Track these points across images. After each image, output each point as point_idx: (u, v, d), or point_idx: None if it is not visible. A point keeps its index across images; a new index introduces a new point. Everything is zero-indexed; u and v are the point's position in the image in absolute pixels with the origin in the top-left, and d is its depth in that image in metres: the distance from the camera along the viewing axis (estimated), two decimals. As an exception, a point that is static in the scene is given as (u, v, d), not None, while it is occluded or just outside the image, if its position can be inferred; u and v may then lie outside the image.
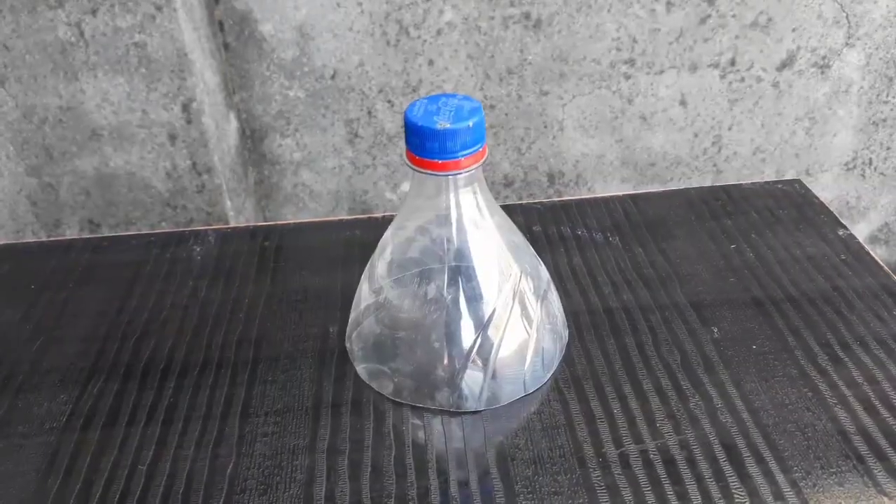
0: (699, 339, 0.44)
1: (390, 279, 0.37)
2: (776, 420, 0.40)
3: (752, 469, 0.37)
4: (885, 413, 0.41)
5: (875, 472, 0.37)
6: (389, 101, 1.07)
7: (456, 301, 0.35)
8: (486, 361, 0.34)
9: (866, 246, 0.61)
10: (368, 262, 0.40)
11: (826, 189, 1.23)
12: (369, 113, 1.08)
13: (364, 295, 0.39)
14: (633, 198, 0.59)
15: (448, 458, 0.37)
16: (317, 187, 1.14)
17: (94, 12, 0.84)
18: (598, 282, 0.47)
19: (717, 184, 1.12)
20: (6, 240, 1.01)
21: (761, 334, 0.45)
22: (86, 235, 0.95)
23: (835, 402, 0.41)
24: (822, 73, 1.11)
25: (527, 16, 1.02)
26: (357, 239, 0.49)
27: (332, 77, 1.04)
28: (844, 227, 0.57)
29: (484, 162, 0.36)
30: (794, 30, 1.06)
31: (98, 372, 0.47)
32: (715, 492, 0.36)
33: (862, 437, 0.39)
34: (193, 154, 0.94)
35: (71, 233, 1.00)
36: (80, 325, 0.52)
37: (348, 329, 0.41)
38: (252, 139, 1.08)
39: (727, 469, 0.37)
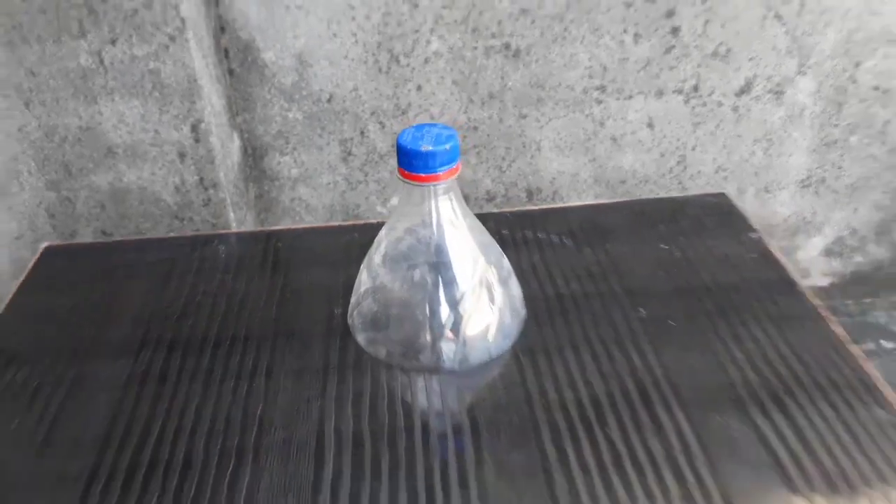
0: (629, 318, 0.53)
1: (384, 268, 0.46)
2: (684, 378, 0.49)
3: (662, 414, 0.46)
4: (767, 373, 0.50)
5: (753, 415, 0.46)
6: (381, 123, 1.16)
7: (436, 285, 0.44)
8: (458, 332, 0.43)
9: (804, 257, 0.71)
10: (366, 256, 0.49)
11: (784, 205, 1.33)
12: (362, 133, 1.17)
13: (363, 280, 0.48)
14: (588, 208, 0.68)
15: (428, 405, 0.46)
16: (313, 201, 1.23)
17: (113, 42, 0.93)
18: (552, 274, 0.56)
19: (674, 191, 1.22)
20: (25, 250, 1.09)
21: (679, 315, 0.54)
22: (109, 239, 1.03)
23: (731, 365, 0.50)
24: (778, 98, 1.21)
25: (507, 46, 1.12)
26: (355, 241, 0.58)
27: (329, 100, 1.13)
28: (755, 230, 0.66)
29: (457, 177, 0.45)
30: (750, 59, 1.17)
31: (147, 344, 0.56)
32: (631, 428, 0.45)
33: (745, 389, 0.48)
34: (201, 170, 1.03)
35: (83, 241, 1.08)
36: (129, 308, 0.60)
37: (350, 308, 0.50)
38: (253, 157, 1.17)
39: (642, 413, 0.46)
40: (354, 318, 0.49)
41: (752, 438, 0.45)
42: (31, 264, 0.72)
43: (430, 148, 0.44)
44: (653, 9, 1.10)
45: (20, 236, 1.08)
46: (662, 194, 1.27)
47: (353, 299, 0.49)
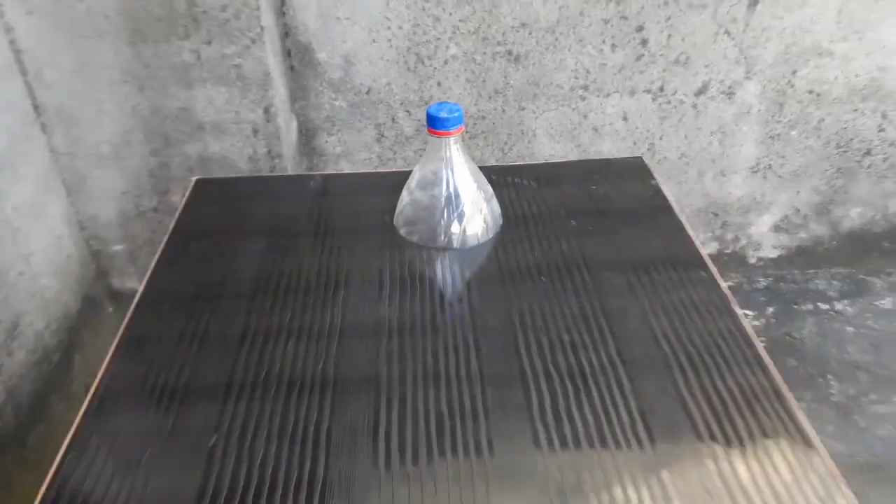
0: (566, 226, 0.80)
1: (417, 189, 0.74)
2: (595, 260, 0.75)
3: (578, 280, 0.73)
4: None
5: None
6: (408, 111, 1.45)
7: (448, 199, 0.72)
8: (460, 226, 0.71)
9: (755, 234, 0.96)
10: (405, 184, 0.77)
11: (738, 187, 1.61)
12: (393, 119, 1.46)
13: (403, 197, 0.76)
14: (550, 165, 0.95)
15: (442, 269, 0.75)
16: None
17: (209, 43, 1.23)
18: (520, 201, 0.84)
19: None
20: (128, 203, 1.39)
21: (596, 224, 0.81)
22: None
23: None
24: (729, 98, 1.49)
25: (509, 52, 1.40)
26: (392, 180, 0.85)
27: (367, 92, 1.42)
28: (655, 178, 0.91)
29: (462, 133, 0.72)
30: (706, 66, 1.44)
31: (277, 233, 0.83)
32: (560, 287, 0.72)
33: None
34: (269, 144, 1.32)
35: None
36: (258, 219, 0.85)
37: (395, 214, 0.78)
38: (306, 136, 1.46)
39: (566, 274, 0.73)
40: (397, 219, 0.78)
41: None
42: (188, 192, 0.96)
43: (446, 115, 0.73)
44: (626, 24, 1.38)
45: (125, 192, 1.39)
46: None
47: (397, 209, 0.78)
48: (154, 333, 0.71)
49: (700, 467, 0.55)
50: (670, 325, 0.69)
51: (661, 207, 0.85)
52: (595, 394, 0.61)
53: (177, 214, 0.90)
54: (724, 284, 0.78)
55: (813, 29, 1.41)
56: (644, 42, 1.41)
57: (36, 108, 1.27)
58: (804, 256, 1.72)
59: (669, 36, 1.40)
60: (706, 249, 1.66)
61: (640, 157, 0.94)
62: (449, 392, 0.61)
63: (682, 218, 0.84)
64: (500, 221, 0.77)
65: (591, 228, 0.80)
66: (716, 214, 1.64)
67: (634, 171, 0.91)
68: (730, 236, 1.68)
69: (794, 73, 1.46)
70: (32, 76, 1.24)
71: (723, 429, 0.58)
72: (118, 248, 1.46)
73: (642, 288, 0.73)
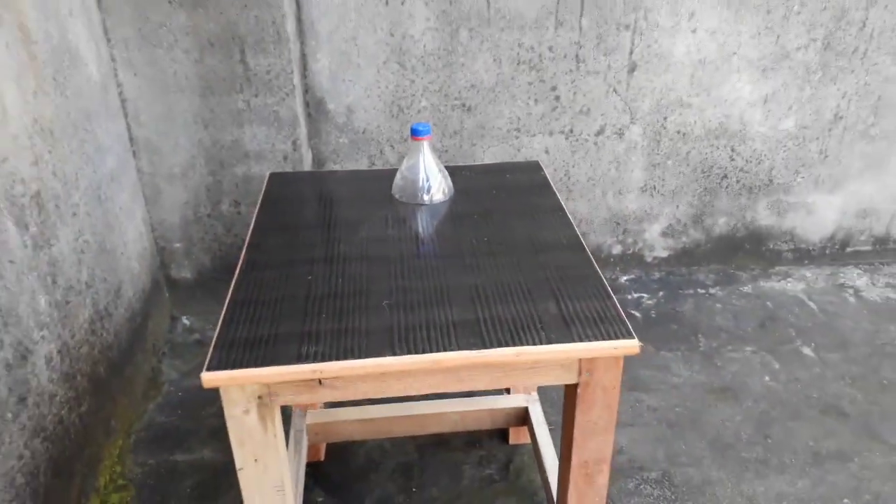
0: (489, 195, 1.34)
1: (405, 172, 1.28)
2: (503, 230, 1.29)
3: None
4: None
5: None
6: (392, 146, 2.01)
7: (423, 177, 1.26)
8: (430, 191, 1.24)
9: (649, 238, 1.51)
10: (398, 172, 1.31)
11: (632, 203, 2.19)
12: (381, 152, 2.02)
13: (397, 176, 1.30)
14: (485, 166, 1.50)
15: (420, 215, 1.27)
16: (349, 193, 2.06)
17: (256, 96, 1.79)
18: (464, 182, 1.39)
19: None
20: (185, 213, 1.91)
21: (499, 199, 1.34)
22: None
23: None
24: (621, 137, 2.08)
25: (463, 105, 1.99)
26: (387, 173, 1.37)
27: (363, 132, 1.99)
28: (543, 170, 1.45)
29: (431, 140, 1.27)
30: (602, 114, 2.04)
31: (320, 201, 1.35)
32: (481, 227, 1.26)
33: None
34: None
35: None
36: (306, 203, 1.37)
37: (392, 186, 1.31)
38: (318, 163, 2.01)
39: (486, 220, 1.26)
40: (394, 189, 1.31)
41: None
42: (264, 186, 1.46)
43: (422, 129, 1.28)
44: (544, 86, 1.98)
45: (187, 202, 1.91)
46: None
47: (393, 183, 1.31)
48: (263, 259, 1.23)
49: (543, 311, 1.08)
50: (540, 238, 1.24)
51: (545, 185, 1.40)
52: (502, 270, 1.14)
53: (260, 198, 1.43)
54: (573, 222, 1.33)
55: (675, 88, 2.03)
56: (557, 98, 2.01)
57: (132, 140, 1.81)
58: (687, 256, 2.30)
59: (574, 93, 2.00)
60: (613, 251, 2.24)
61: (537, 162, 1.50)
62: (426, 274, 1.13)
63: (559, 195, 1.40)
64: (452, 191, 1.31)
65: (504, 195, 1.34)
66: (618, 223, 2.21)
67: (532, 169, 1.46)
68: (630, 240, 2.25)
69: (665, 118, 2.07)
70: (132, 118, 1.78)
71: (570, 313, 1.12)
72: (177, 245, 1.97)
73: (532, 225, 1.28)
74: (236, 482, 1.13)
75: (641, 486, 1.55)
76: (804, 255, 2.33)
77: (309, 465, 1.58)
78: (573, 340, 0.93)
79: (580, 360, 0.95)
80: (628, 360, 1.88)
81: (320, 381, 0.93)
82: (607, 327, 0.96)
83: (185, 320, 2.05)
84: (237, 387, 0.90)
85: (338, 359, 0.91)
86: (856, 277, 2.29)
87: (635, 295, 2.19)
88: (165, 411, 1.76)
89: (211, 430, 1.71)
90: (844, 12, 1.96)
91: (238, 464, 0.98)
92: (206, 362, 0.89)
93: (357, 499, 1.53)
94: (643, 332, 2.02)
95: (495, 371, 0.95)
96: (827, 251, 2.33)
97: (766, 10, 1.94)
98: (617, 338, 0.95)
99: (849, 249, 2.34)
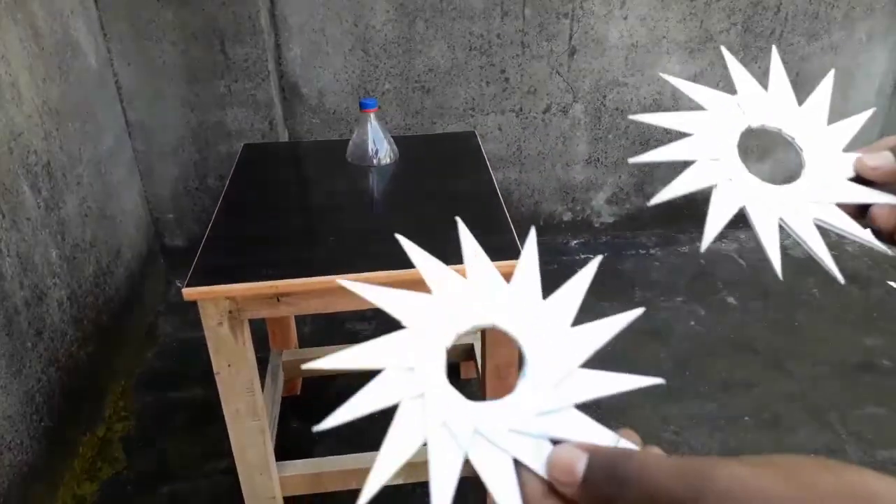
0: (430, 159, 1.58)
1: (356, 139, 1.52)
2: (447, 186, 1.53)
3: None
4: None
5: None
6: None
7: (374, 143, 1.50)
8: (378, 154, 1.48)
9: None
10: (350, 140, 1.55)
11: (579, 174, 2.43)
12: (350, 130, 2.26)
13: (350, 145, 1.54)
14: (427, 136, 1.75)
15: (370, 175, 1.51)
16: (323, 169, 2.31)
17: (235, 81, 2.03)
18: (407, 147, 1.63)
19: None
20: (176, 186, 2.16)
21: (438, 160, 1.59)
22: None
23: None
24: (565, 114, 2.33)
25: (423, 87, 2.23)
26: (345, 140, 1.63)
27: (333, 113, 2.23)
28: (478, 138, 1.70)
29: (376, 113, 1.51)
30: (547, 94, 2.28)
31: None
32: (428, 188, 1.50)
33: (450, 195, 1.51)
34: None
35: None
36: (281, 172, 1.63)
37: (347, 152, 1.56)
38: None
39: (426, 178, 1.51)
40: (348, 153, 1.56)
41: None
42: (238, 154, 1.71)
43: (369, 102, 1.52)
44: (494, 69, 2.22)
45: (178, 177, 2.16)
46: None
47: (348, 149, 1.56)
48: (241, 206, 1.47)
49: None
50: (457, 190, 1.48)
51: (477, 150, 1.64)
52: (429, 214, 1.38)
53: (235, 162, 1.68)
54: (494, 176, 1.57)
55: (611, 69, 2.27)
56: (507, 80, 2.25)
57: (127, 122, 2.05)
58: (632, 221, 2.54)
59: (522, 76, 2.24)
60: (564, 218, 2.48)
61: (473, 132, 1.75)
62: (368, 218, 1.38)
63: (486, 157, 1.64)
64: (397, 155, 1.56)
65: (441, 159, 1.59)
66: (567, 193, 2.46)
67: (468, 138, 1.71)
68: (579, 208, 2.49)
69: (604, 97, 2.31)
70: (126, 103, 2.03)
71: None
72: (170, 216, 2.22)
73: (459, 181, 1.52)
74: (220, 414, 1.37)
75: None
76: (739, 219, 2.56)
77: (287, 399, 1.83)
78: (476, 261, 1.18)
79: (483, 277, 1.20)
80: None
81: (278, 298, 1.17)
82: (506, 253, 1.21)
83: (178, 283, 2.29)
84: (211, 302, 1.15)
85: (291, 278, 1.15)
86: (784, 237, 2.53)
87: (582, 256, 2.44)
88: (162, 359, 2.01)
89: (202, 373, 1.95)
90: (760, -2, 2.20)
91: (215, 368, 1.22)
92: (186, 281, 1.14)
93: (327, 425, 1.78)
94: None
95: (417, 288, 1.20)
96: (759, 215, 2.57)
97: (690, -3, 2.18)
98: (512, 260, 1.19)
99: (779, 214, 2.58)
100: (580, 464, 0.30)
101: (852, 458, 1.65)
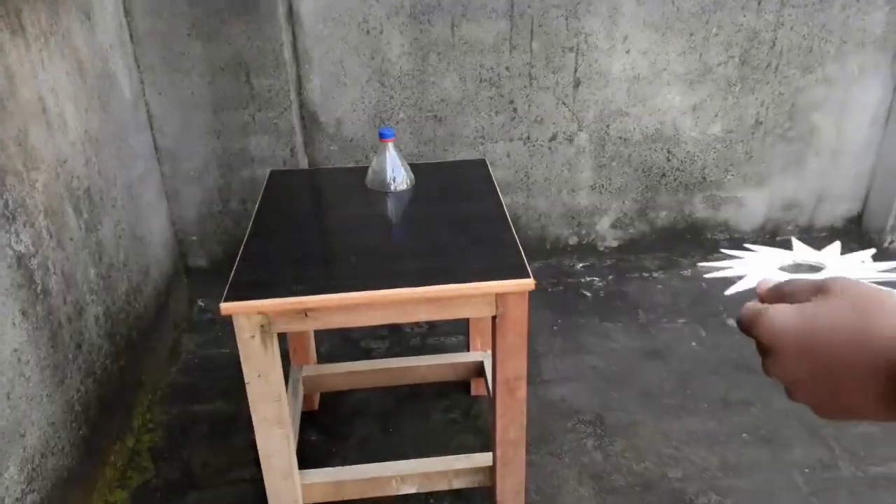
0: (444, 183, 1.68)
1: (375, 167, 1.62)
2: (462, 209, 1.62)
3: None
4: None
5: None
6: (375, 152, 2.37)
7: (392, 170, 1.61)
8: (396, 180, 1.58)
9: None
10: (369, 167, 1.65)
11: (584, 199, 2.54)
12: (366, 157, 2.38)
13: (369, 172, 1.64)
14: (440, 164, 1.85)
15: (388, 199, 1.61)
16: (340, 193, 2.42)
17: (259, 110, 2.15)
18: (423, 173, 1.74)
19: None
20: (201, 209, 2.27)
21: (452, 187, 1.69)
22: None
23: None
24: (571, 142, 2.44)
25: (435, 116, 2.34)
26: (363, 168, 1.72)
27: (350, 140, 2.35)
28: (487, 166, 1.80)
29: (394, 142, 1.61)
30: (554, 123, 2.40)
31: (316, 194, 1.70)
32: (441, 214, 1.61)
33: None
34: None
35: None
36: (307, 192, 1.73)
37: (366, 178, 1.66)
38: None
39: (440, 202, 1.61)
40: (367, 180, 1.66)
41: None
42: (266, 179, 1.82)
43: (387, 132, 1.63)
44: (503, 99, 2.34)
45: (202, 201, 2.27)
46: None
47: (367, 175, 1.66)
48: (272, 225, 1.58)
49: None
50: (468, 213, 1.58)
51: (487, 177, 1.74)
52: (444, 235, 1.48)
53: (262, 187, 1.79)
54: (503, 200, 1.68)
55: (615, 100, 2.38)
56: (515, 110, 2.36)
57: (156, 148, 2.17)
58: (635, 245, 2.64)
59: (529, 106, 2.36)
60: (570, 241, 2.58)
61: (483, 160, 1.85)
62: (387, 239, 1.48)
63: (496, 184, 1.74)
64: (413, 181, 1.66)
65: (454, 184, 1.69)
66: (573, 217, 2.56)
67: (478, 166, 1.81)
68: (584, 232, 2.60)
69: (608, 126, 2.43)
70: (157, 130, 2.15)
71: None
72: (194, 238, 2.33)
73: (471, 205, 1.62)
74: (243, 427, 1.45)
75: (577, 425, 1.89)
76: (738, 244, 2.66)
77: (305, 414, 1.92)
78: (489, 279, 1.28)
79: (496, 295, 1.29)
80: (575, 330, 2.22)
81: (306, 313, 1.27)
82: (515, 272, 1.30)
83: (200, 302, 2.40)
84: (245, 316, 1.25)
85: (318, 294, 1.25)
86: (782, 262, 2.63)
87: (588, 279, 2.53)
88: (185, 374, 2.11)
89: (223, 388, 2.05)
90: (756, 34, 2.32)
91: (246, 379, 1.32)
92: (223, 297, 1.24)
93: (344, 437, 1.87)
94: (591, 309, 2.36)
95: (434, 305, 1.30)
96: (758, 240, 2.67)
97: (689, 32, 2.30)
98: (520, 279, 1.29)
99: (778, 238, 2.67)
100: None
101: (845, 474, 1.73)
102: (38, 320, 1.42)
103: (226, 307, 1.23)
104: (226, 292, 1.25)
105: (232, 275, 1.30)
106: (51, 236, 1.49)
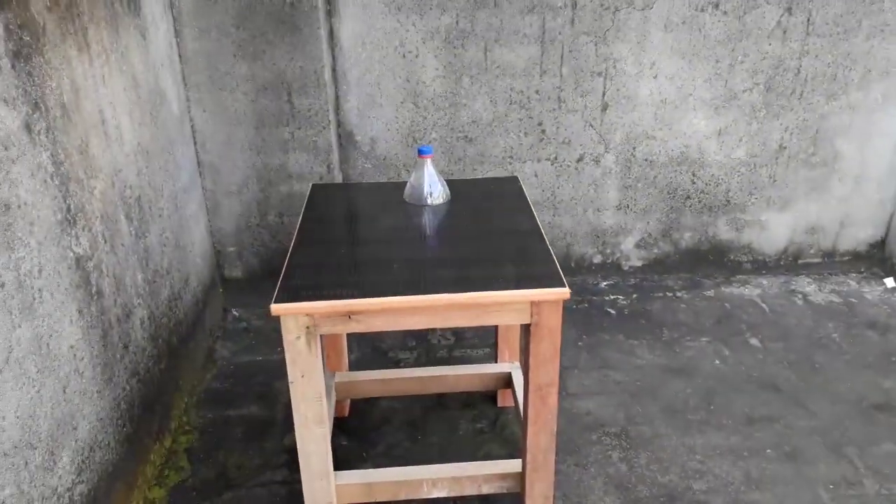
0: (478, 197, 1.74)
1: (412, 183, 1.69)
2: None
3: (483, 241, 1.66)
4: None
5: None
6: (407, 170, 2.45)
7: (428, 187, 1.68)
8: (433, 194, 1.65)
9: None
10: (408, 182, 1.72)
11: (609, 219, 2.59)
12: (398, 175, 2.45)
13: (407, 186, 1.71)
14: (474, 180, 1.92)
15: (425, 211, 1.68)
16: (371, 209, 2.50)
17: (299, 128, 2.24)
18: (458, 188, 1.80)
19: (547, 212, 2.49)
20: (239, 222, 2.36)
21: (489, 201, 1.75)
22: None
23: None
24: (597, 163, 2.50)
25: (466, 136, 2.42)
26: (401, 184, 1.79)
27: (384, 159, 2.43)
28: (518, 182, 1.87)
29: (432, 159, 1.68)
30: (581, 145, 2.47)
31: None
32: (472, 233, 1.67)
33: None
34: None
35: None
36: (343, 207, 1.80)
37: (405, 194, 1.73)
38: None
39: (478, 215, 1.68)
40: (405, 194, 1.73)
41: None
42: (309, 191, 1.89)
43: (426, 149, 1.70)
44: (532, 121, 2.41)
45: (241, 214, 2.36)
46: (545, 212, 2.54)
47: (405, 190, 1.73)
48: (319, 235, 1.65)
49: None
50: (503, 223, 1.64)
51: (520, 193, 1.81)
52: (481, 247, 1.54)
53: (306, 198, 1.87)
54: (538, 220, 1.74)
55: (641, 123, 2.45)
56: (543, 131, 2.44)
57: (199, 162, 2.27)
58: (659, 265, 2.68)
59: (557, 128, 2.43)
60: (594, 260, 2.64)
61: (516, 177, 1.92)
62: (426, 249, 1.54)
63: (546, 212, 1.81)
64: (449, 196, 1.73)
65: (488, 199, 1.76)
66: (598, 236, 2.61)
67: (511, 182, 1.88)
68: (608, 251, 2.65)
69: (634, 149, 2.49)
70: (200, 145, 2.25)
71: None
72: (231, 249, 2.41)
73: (505, 219, 1.68)
74: (276, 432, 1.48)
75: (602, 438, 1.92)
76: (761, 266, 2.71)
77: (336, 420, 1.98)
78: (526, 288, 1.34)
79: (531, 303, 1.35)
80: (599, 346, 2.27)
81: (349, 316, 1.34)
82: (550, 282, 1.36)
83: (234, 311, 2.47)
84: (293, 318, 1.32)
85: (362, 297, 1.32)
86: (805, 285, 2.66)
87: (612, 297, 2.58)
88: (220, 380, 2.18)
89: (256, 394, 2.11)
90: (781, 61, 2.38)
91: (290, 378, 1.38)
92: (273, 299, 1.31)
93: (373, 444, 1.92)
94: (615, 326, 2.40)
95: (471, 311, 1.36)
96: (781, 263, 2.71)
97: (715, 59, 2.37)
98: (555, 287, 1.35)
99: (801, 262, 2.71)
100: None
101: (869, 491, 1.74)
102: (91, 319, 1.49)
103: (276, 308, 1.30)
104: (275, 295, 1.32)
105: (280, 280, 1.37)
106: (105, 241, 1.57)
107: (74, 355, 1.42)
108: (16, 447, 1.21)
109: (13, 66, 1.23)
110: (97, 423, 1.50)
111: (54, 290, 1.35)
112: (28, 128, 1.28)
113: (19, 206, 1.24)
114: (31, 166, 1.28)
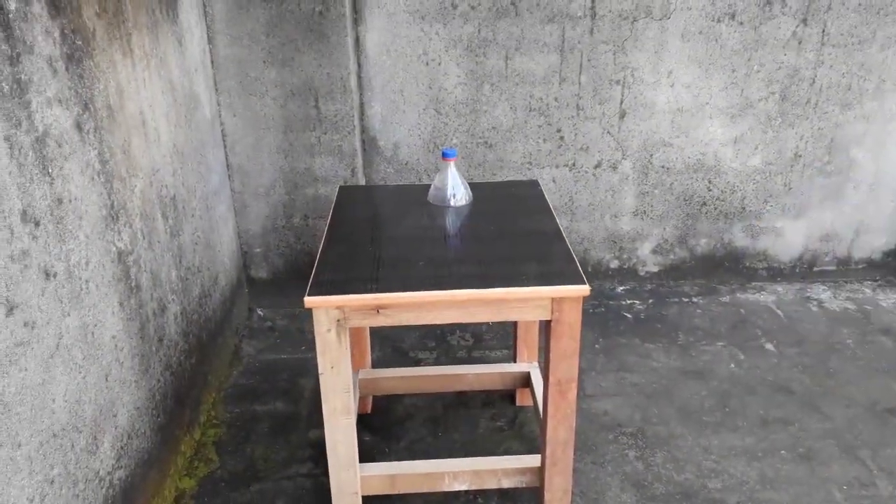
0: (499, 200, 1.80)
1: (436, 186, 1.75)
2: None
3: (507, 241, 1.72)
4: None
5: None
6: (428, 175, 2.51)
7: (452, 187, 1.74)
8: (456, 196, 1.71)
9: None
10: (432, 184, 1.78)
11: (626, 225, 2.64)
12: (419, 180, 2.52)
13: (431, 189, 1.77)
14: (495, 184, 1.98)
15: (448, 213, 1.73)
16: (393, 213, 2.56)
17: (325, 133, 2.31)
18: (479, 191, 1.86)
19: (565, 217, 2.54)
20: (266, 224, 2.43)
21: (506, 203, 1.80)
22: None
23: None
24: (615, 170, 2.55)
25: (486, 142, 2.48)
26: (424, 186, 1.85)
27: (406, 164, 2.49)
28: (539, 186, 1.92)
29: (455, 162, 1.74)
30: (599, 151, 2.52)
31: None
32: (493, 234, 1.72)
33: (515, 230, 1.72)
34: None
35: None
36: (370, 207, 1.87)
37: (429, 195, 1.79)
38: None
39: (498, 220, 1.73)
40: (430, 195, 1.79)
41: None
42: (336, 193, 1.95)
43: (450, 152, 1.76)
44: (551, 128, 2.47)
45: (268, 216, 2.43)
46: (563, 216, 2.59)
47: (429, 192, 1.79)
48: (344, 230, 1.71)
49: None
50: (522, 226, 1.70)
51: (540, 196, 1.86)
52: (503, 246, 1.60)
53: (334, 200, 1.93)
54: (558, 222, 1.79)
55: (658, 131, 2.50)
56: (562, 138, 2.49)
57: (228, 165, 2.34)
58: (675, 271, 2.73)
59: (576, 135, 2.49)
60: (611, 265, 2.68)
61: (536, 181, 1.98)
62: (450, 247, 1.60)
63: (564, 217, 1.86)
64: (472, 198, 1.79)
65: (509, 201, 1.81)
66: (615, 242, 2.66)
67: (531, 185, 1.94)
68: (625, 256, 2.69)
69: (651, 156, 2.54)
70: (229, 148, 2.32)
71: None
72: (257, 250, 2.49)
73: (526, 220, 1.74)
74: (301, 427, 1.51)
75: (619, 437, 1.96)
76: (777, 273, 2.74)
77: (359, 416, 2.03)
78: (547, 285, 1.39)
79: (552, 299, 1.40)
80: (616, 349, 2.32)
81: (378, 310, 1.40)
82: (570, 279, 1.41)
83: (259, 311, 2.54)
84: (324, 310, 1.38)
85: (390, 292, 1.38)
86: (821, 292, 2.69)
87: (628, 301, 2.62)
88: (246, 376, 2.24)
89: (281, 390, 2.17)
90: (796, 71, 2.43)
91: (320, 370, 1.44)
92: (307, 292, 1.37)
93: (395, 440, 1.97)
94: (632, 330, 2.45)
95: (494, 306, 1.41)
96: (797, 270, 2.74)
97: (731, 69, 2.42)
98: (576, 284, 1.40)
99: (816, 269, 2.74)
100: None
101: (883, 493, 1.77)
102: (131, 312, 1.56)
103: (309, 301, 1.36)
104: (308, 289, 1.38)
105: (312, 275, 1.44)
106: (143, 237, 1.64)
107: (115, 345, 1.49)
108: (64, 429, 1.27)
109: (67, 69, 1.31)
110: (134, 412, 1.57)
111: (99, 282, 1.41)
112: (79, 127, 1.35)
113: (70, 201, 1.31)
114: (81, 163, 1.36)
